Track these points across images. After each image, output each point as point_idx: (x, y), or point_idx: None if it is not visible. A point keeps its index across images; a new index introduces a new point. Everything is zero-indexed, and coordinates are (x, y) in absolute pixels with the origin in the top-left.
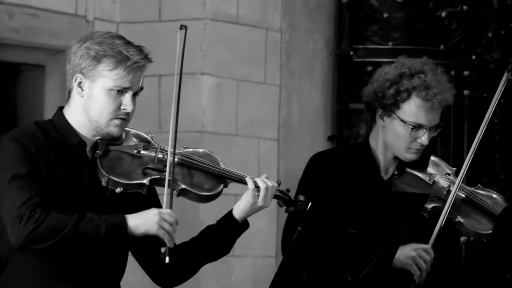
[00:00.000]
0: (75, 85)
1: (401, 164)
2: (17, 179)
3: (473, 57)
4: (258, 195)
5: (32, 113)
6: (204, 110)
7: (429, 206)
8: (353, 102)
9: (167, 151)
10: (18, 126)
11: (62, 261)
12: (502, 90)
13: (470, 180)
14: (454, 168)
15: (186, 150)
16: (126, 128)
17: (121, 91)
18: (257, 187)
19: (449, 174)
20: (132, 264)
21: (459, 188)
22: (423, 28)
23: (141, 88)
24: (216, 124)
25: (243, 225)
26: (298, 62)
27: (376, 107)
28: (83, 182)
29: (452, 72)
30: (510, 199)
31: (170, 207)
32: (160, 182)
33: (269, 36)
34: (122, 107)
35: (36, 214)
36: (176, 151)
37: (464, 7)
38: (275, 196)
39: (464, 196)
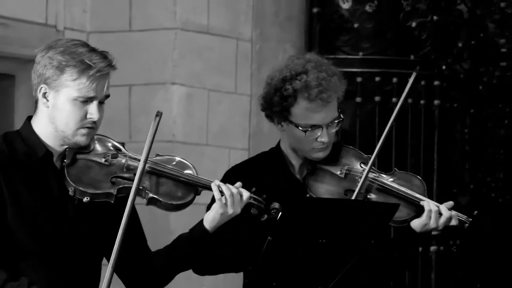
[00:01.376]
0: (40, 95)
1: (313, 162)
2: None
3: (444, 67)
4: (226, 204)
5: (2, 122)
6: (174, 120)
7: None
8: None
9: (136, 159)
10: None
11: (35, 273)
12: (407, 91)
13: (440, 190)
14: (370, 155)
15: (157, 158)
16: (98, 136)
17: (86, 101)
18: (222, 192)
19: (364, 164)
20: None
21: (369, 174)
22: (393, 39)
23: (107, 96)
24: (186, 134)
25: (216, 234)
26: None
27: (270, 115)
28: (51, 193)
29: (423, 82)
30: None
31: (126, 220)
32: (128, 191)
33: (240, 46)
34: (88, 116)
35: None
36: (148, 162)
37: (434, 17)
38: (249, 204)
39: (375, 184)
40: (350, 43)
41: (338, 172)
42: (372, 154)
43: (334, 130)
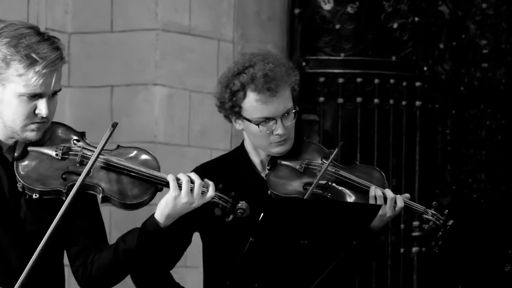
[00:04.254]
0: None
1: (273, 158)
2: None
3: (425, 68)
4: (181, 188)
5: None
6: (156, 120)
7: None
8: (306, 113)
9: (90, 152)
10: None
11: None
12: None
13: (422, 191)
14: (333, 150)
15: (117, 149)
16: (56, 124)
17: (34, 96)
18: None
19: (325, 158)
20: None
21: (328, 167)
22: (374, 39)
23: (57, 91)
24: (168, 134)
25: (168, 231)
26: None
27: (225, 114)
28: (2, 188)
29: (404, 83)
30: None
31: (61, 216)
32: (79, 187)
33: (222, 47)
34: (37, 111)
35: None
36: (102, 154)
37: (416, 19)
38: (214, 203)
39: (334, 177)
40: (331, 44)
41: (298, 167)
42: (334, 150)
43: (290, 123)
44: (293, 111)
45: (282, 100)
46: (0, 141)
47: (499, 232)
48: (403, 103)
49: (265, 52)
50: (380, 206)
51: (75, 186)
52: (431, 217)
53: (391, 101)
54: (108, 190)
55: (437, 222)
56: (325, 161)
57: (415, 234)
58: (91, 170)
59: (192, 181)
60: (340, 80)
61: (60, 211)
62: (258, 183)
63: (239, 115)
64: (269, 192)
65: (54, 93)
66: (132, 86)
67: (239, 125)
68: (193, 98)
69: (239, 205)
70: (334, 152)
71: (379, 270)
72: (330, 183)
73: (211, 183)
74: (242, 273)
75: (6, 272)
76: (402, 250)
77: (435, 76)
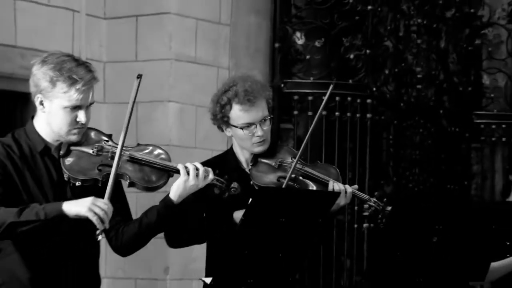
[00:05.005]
0: (37, 103)
1: (255, 156)
2: None
3: (374, 89)
4: (189, 173)
5: None
6: (170, 128)
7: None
8: (283, 122)
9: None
10: None
11: (42, 245)
12: (327, 97)
13: (371, 182)
14: (297, 151)
15: (138, 146)
16: (90, 129)
17: (75, 108)
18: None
19: (294, 157)
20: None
21: (297, 164)
22: (336, 67)
23: (92, 103)
24: (179, 139)
25: (181, 205)
26: None
27: (218, 125)
28: (52, 178)
29: (358, 100)
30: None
31: (108, 198)
32: (114, 174)
33: (220, 73)
34: (77, 119)
35: None
36: (127, 150)
37: (367, 51)
38: (212, 184)
39: (301, 172)
40: (303, 70)
41: (273, 164)
42: (299, 150)
43: (267, 127)
44: (269, 117)
45: (259, 108)
46: (49, 143)
47: (429, 212)
48: (357, 115)
49: (244, 74)
50: (339, 193)
51: (113, 168)
52: (373, 204)
53: (348, 114)
54: (133, 177)
55: (378, 208)
56: (293, 159)
57: (365, 213)
58: (120, 162)
59: (197, 168)
60: (310, 98)
61: (108, 188)
62: (243, 175)
63: (227, 124)
64: (251, 182)
65: (90, 105)
66: (152, 102)
67: (228, 132)
68: (199, 112)
69: (232, 185)
70: (298, 154)
71: (338, 241)
72: (297, 176)
73: (210, 170)
74: (236, 243)
75: (55, 247)
76: (355, 226)
77: (381, 95)
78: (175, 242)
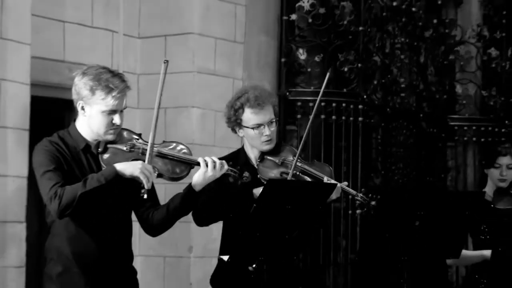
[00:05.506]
0: (79, 108)
1: (262, 154)
2: (46, 173)
3: (365, 96)
4: (207, 166)
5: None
6: (193, 130)
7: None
8: (288, 124)
9: (146, 145)
10: (45, 137)
11: (87, 225)
12: (325, 84)
13: (362, 175)
14: (296, 150)
15: (163, 143)
16: (123, 129)
17: (111, 112)
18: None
19: (295, 156)
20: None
21: (298, 161)
22: (333, 78)
23: (125, 107)
24: (201, 139)
25: (201, 192)
26: None
27: (231, 127)
28: (92, 170)
29: (351, 106)
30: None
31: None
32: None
33: (235, 83)
34: (113, 121)
35: (58, 193)
36: (155, 146)
37: (359, 65)
38: (227, 174)
39: (299, 169)
40: (305, 81)
41: (277, 161)
42: (298, 150)
43: (274, 128)
44: (275, 120)
45: (267, 112)
46: (89, 142)
47: (412, 200)
48: (351, 119)
49: (254, 84)
50: (336, 184)
51: (146, 160)
52: (359, 199)
53: (343, 118)
54: (161, 170)
55: (363, 202)
56: (294, 158)
57: (358, 202)
58: (151, 156)
59: (214, 161)
60: (311, 104)
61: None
62: (252, 170)
63: (240, 125)
64: (258, 176)
65: (123, 109)
66: (178, 108)
67: (240, 133)
68: (217, 116)
69: (244, 174)
70: (297, 153)
71: (335, 225)
72: (297, 173)
73: (225, 162)
74: (249, 226)
75: (100, 228)
76: (350, 212)
77: (371, 101)
78: (203, 221)
